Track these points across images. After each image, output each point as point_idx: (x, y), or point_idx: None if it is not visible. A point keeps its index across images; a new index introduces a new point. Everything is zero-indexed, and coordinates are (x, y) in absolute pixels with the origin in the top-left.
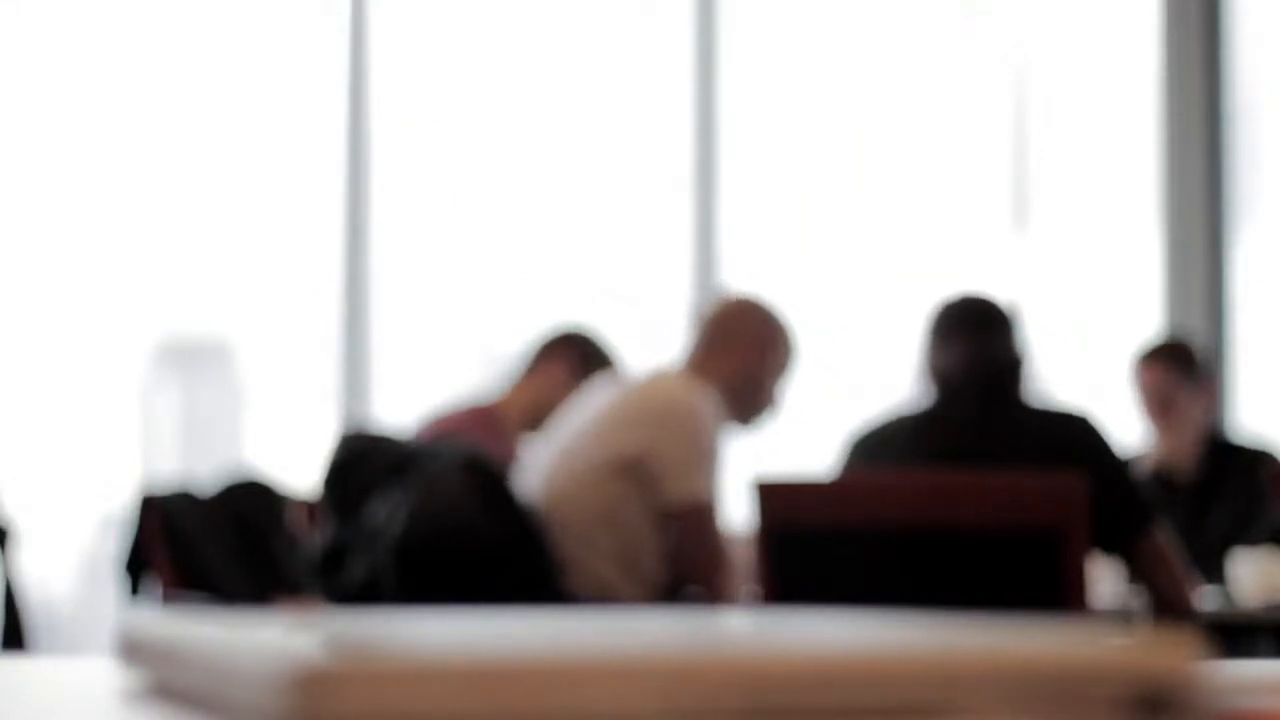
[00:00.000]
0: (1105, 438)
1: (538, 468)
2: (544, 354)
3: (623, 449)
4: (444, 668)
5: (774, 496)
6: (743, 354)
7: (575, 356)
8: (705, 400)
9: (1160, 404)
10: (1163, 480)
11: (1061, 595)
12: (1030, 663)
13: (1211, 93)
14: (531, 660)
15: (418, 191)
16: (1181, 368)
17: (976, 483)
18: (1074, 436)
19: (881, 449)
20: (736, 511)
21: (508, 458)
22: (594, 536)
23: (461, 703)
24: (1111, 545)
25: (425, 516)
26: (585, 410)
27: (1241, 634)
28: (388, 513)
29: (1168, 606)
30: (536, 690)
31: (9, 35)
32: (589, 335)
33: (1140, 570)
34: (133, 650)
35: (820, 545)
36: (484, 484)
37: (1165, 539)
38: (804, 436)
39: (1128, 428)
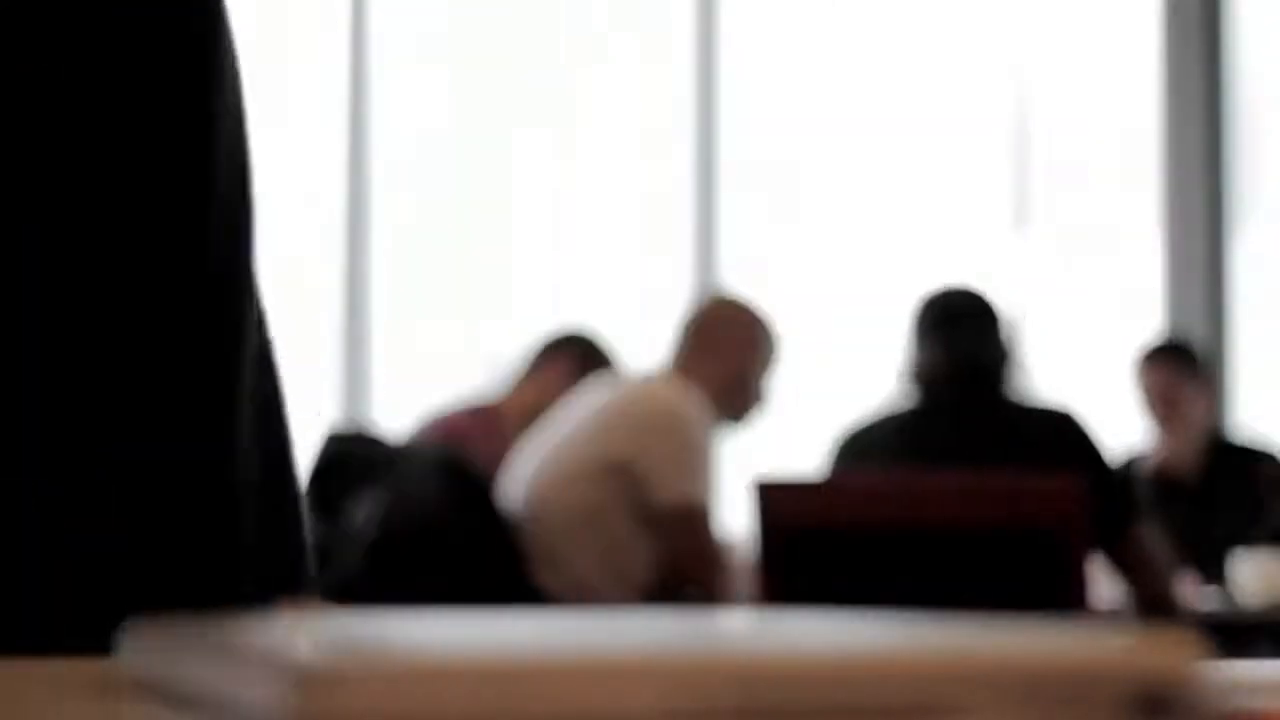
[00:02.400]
0: (1091, 435)
1: (526, 467)
2: (545, 356)
3: (610, 451)
4: (444, 668)
5: (774, 497)
6: (728, 355)
7: (576, 358)
8: (693, 403)
9: (1165, 404)
10: (1164, 481)
11: (1061, 595)
12: (1030, 663)
13: (1211, 93)
14: (531, 661)
15: (418, 191)
16: (1185, 368)
17: (976, 483)
18: (1060, 434)
19: (867, 450)
20: (735, 513)
21: (506, 459)
22: (577, 536)
23: (462, 703)
24: (1095, 542)
25: (399, 517)
26: (575, 411)
27: (1241, 634)
28: (365, 513)
29: (1151, 604)
30: (536, 690)
31: None
32: (590, 338)
33: (1124, 567)
34: (133, 650)
35: (820, 546)
36: (457, 484)
37: (1149, 537)
38: (804, 437)
39: (1129, 428)
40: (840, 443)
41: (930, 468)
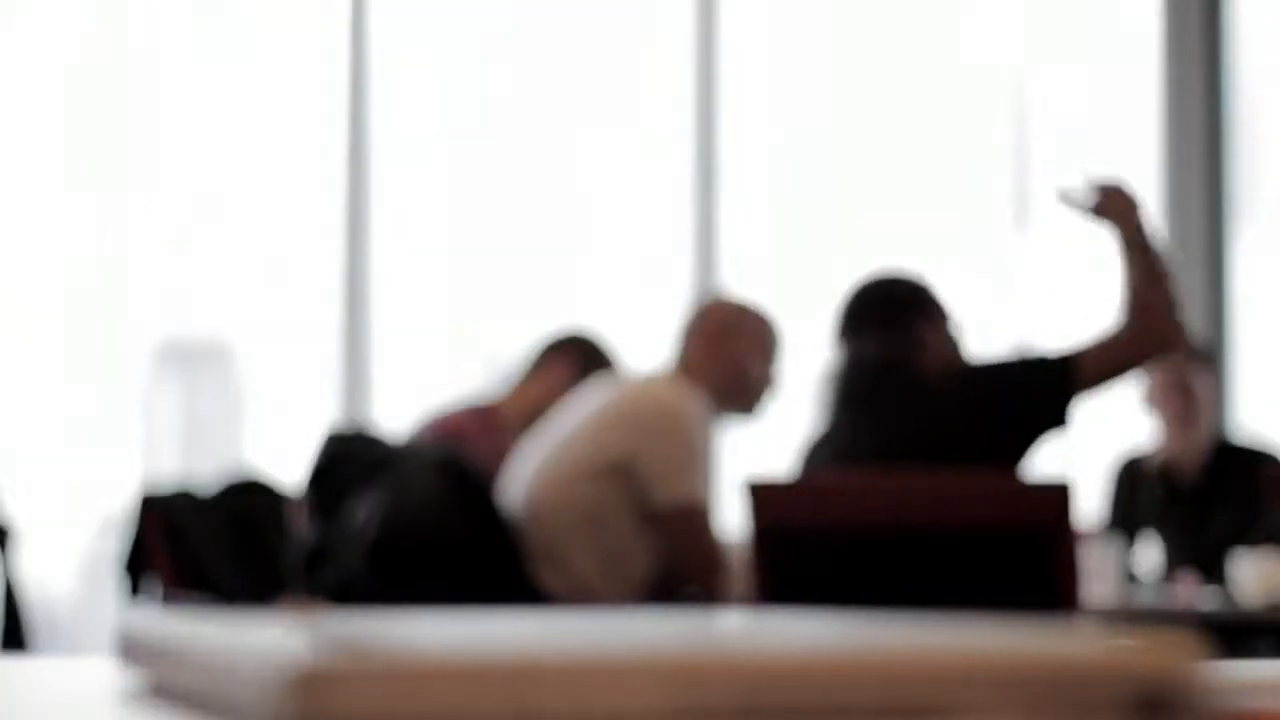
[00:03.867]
0: (980, 367)
1: (526, 466)
2: (546, 356)
3: (609, 451)
4: (444, 668)
5: (768, 497)
6: (730, 354)
7: (577, 359)
8: (694, 403)
9: (1180, 398)
10: (1166, 481)
11: (1054, 595)
12: (1030, 663)
13: (1211, 93)
14: (531, 660)
15: (418, 192)
16: (1199, 364)
17: (969, 483)
18: (963, 381)
19: (820, 455)
20: (735, 513)
21: (507, 459)
22: (576, 536)
23: (461, 703)
24: (1064, 405)
25: (399, 516)
26: (575, 411)
27: (1241, 634)
28: (365, 513)
29: (1142, 334)
30: (536, 690)
31: (10, 35)
32: (591, 339)
33: (1108, 364)
34: (133, 650)
35: (815, 546)
36: (457, 484)
37: (1084, 348)
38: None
39: (1129, 428)
40: (803, 450)
41: (863, 467)
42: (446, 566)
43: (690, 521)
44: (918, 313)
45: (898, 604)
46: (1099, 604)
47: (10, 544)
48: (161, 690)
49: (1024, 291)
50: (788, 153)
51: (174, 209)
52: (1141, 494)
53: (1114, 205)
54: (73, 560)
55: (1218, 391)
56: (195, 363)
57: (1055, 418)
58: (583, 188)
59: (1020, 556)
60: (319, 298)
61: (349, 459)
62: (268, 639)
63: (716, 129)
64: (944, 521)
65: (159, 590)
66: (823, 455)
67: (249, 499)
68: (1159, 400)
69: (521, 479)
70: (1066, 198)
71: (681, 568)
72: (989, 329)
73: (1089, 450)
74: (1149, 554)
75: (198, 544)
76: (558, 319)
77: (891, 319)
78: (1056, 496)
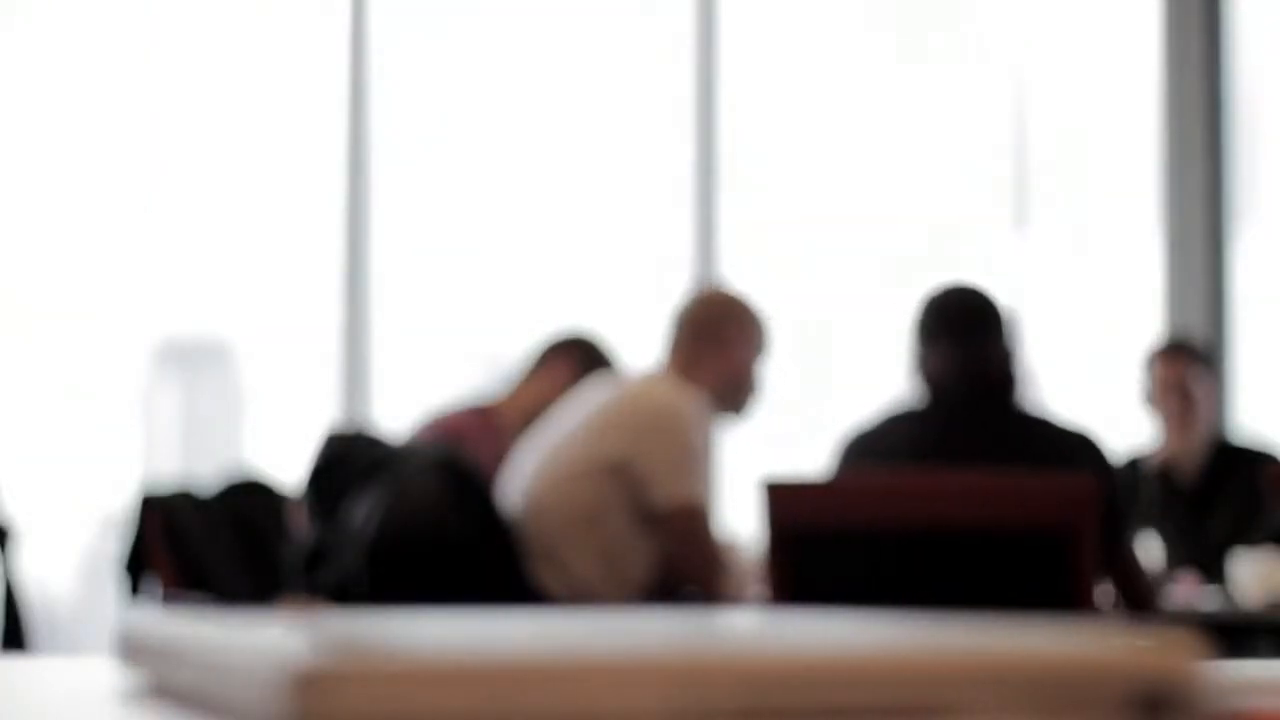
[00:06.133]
0: (1107, 457)
1: (525, 467)
2: (546, 357)
3: (608, 452)
4: (444, 668)
5: (783, 497)
6: (727, 349)
7: (577, 360)
8: (693, 403)
9: (1181, 398)
10: (1165, 481)
11: (1070, 596)
12: (1030, 663)
13: (1211, 93)
14: (531, 660)
15: (418, 192)
16: (1199, 364)
17: (985, 484)
18: (1073, 450)
19: (874, 451)
20: (736, 513)
21: (506, 459)
22: (575, 536)
23: (461, 703)
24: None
25: (398, 517)
26: (574, 412)
27: (1241, 634)
28: (364, 513)
29: (1135, 605)
30: (536, 690)
31: (10, 35)
32: (591, 340)
33: (1111, 572)
34: (133, 650)
35: (830, 546)
36: (456, 484)
37: (1133, 542)
38: (805, 436)
39: (1128, 428)
40: (847, 443)
41: (940, 470)
42: (446, 566)
43: (689, 521)
44: (1005, 325)
45: (916, 604)
46: (1107, 605)
47: (10, 544)
48: (161, 690)
49: (1023, 291)
50: (788, 152)
51: (174, 209)
52: (1141, 494)
53: None
54: (73, 560)
55: (1218, 391)
56: (195, 363)
57: None
58: (583, 187)
59: (1037, 557)
60: (319, 298)
61: (349, 459)
62: (268, 639)
63: (716, 129)
64: (960, 521)
65: (159, 590)
66: (889, 446)
67: (249, 499)
68: (1159, 400)
69: (521, 479)
70: None
71: (680, 568)
72: None
73: None
74: (1149, 554)
75: (198, 544)
76: (558, 319)
77: (992, 327)
78: (1073, 497)
